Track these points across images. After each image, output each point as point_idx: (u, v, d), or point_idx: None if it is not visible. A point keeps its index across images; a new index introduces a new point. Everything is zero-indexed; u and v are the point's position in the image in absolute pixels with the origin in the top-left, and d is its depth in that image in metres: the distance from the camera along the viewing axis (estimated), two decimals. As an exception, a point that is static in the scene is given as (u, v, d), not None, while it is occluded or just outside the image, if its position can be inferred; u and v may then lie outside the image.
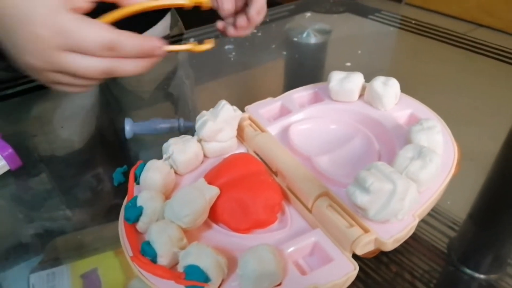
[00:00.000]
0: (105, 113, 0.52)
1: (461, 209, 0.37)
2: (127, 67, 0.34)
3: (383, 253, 0.32)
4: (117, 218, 0.32)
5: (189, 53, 0.68)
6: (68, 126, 0.50)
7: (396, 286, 0.31)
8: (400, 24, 0.78)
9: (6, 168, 0.41)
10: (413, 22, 0.76)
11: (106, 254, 0.33)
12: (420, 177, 0.29)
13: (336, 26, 0.76)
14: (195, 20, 0.77)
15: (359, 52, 0.67)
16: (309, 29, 0.72)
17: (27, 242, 0.36)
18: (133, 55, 0.33)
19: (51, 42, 0.31)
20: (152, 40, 0.34)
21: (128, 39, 0.32)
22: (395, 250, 0.32)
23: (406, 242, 0.29)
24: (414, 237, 0.32)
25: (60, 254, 0.34)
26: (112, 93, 0.56)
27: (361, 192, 0.27)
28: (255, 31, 0.74)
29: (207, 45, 0.39)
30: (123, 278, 0.31)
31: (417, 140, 0.31)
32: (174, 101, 0.56)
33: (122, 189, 0.40)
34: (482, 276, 0.31)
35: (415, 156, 0.29)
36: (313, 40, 0.71)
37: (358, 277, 0.28)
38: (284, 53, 0.68)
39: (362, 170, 0.27)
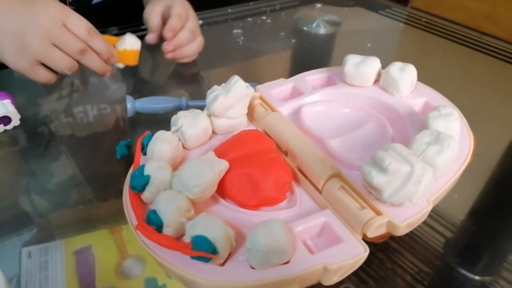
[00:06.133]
0: (114, 90, 0.51)
1: (459, 209, 0.37)
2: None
3: (379, 249, 0.32)
4: (115, 196, 0.31)
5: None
6: (72, 98, 0.49)
7: (390, 283, 0.30)
8: (410, 21, 0.77)
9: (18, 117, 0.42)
10: (424, 20, 0.76)
11: (102, 232, 0.33)
12: (437, 162, 0.28)
13: (346, 18, 0.76)
14: (202, 3, 0.75)
15: (369, 45, 0.67)
16: (319, 20, 0.72)
17: (21, 215, 0.35)
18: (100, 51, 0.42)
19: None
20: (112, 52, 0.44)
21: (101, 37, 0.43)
22: (392, 248, 0.33)
23: (402, 240, 0.29)
24: (410, 236, 0.32)
25: (54, 229, 0.33)
26: (125, 73, 0.55)
27: (377, 172, 0.26)
28: (264, 17, 0.74)
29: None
30: (117, 256, 0.31)
31: (434, 126, 0.31)
32: (183, 81, 0.55)
33: (122, 167, 0.39)
34: (477, 277, 0.31)
35: (432, 141, 0.29)
36: (322, 30, 0.71)
37: (352, 273, 0.27)
38: (293, 41, 0.68)
39: (380, 150, 0.27)
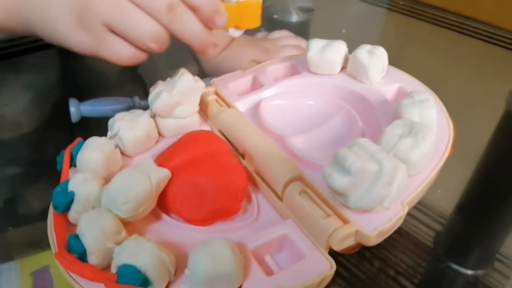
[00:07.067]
0: (61, 92, 0.46)
1: (448, 202, 0.35)
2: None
3: (365, 248, 0.28)
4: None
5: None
6: (14, 105, 0.44)
7: (379, 283, 0.28)
8: (387, 4, 0.74)
9: None
10: (401, 3, 0.73)
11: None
12: (411, 157, 0.24)
13: (320, 5, 0.72)
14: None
15: (343, 31, 0.63)
16: (291, 7, 0.68)
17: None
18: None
19: None
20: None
21: None
22: (379, 245, 0.30)
23: (390, 236, 0.26)
24: (398, 231, 0.30)
25: (8, 249, 0.31)
26: (72, 71, 0.49)
27: (340, 174, 0.22)
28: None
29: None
30: (78, 277, 0.27)
31: (408, 115, 0.27)
32: (135, 79, 0.50)
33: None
34: (469, 271, 0.30)
35: (405, 132, 0.25)
36: (294, 18, 0.67)
37: (338, 273, 0.24)
38: (263, 30, 0.63)
39: (342, 148, 0.22)
